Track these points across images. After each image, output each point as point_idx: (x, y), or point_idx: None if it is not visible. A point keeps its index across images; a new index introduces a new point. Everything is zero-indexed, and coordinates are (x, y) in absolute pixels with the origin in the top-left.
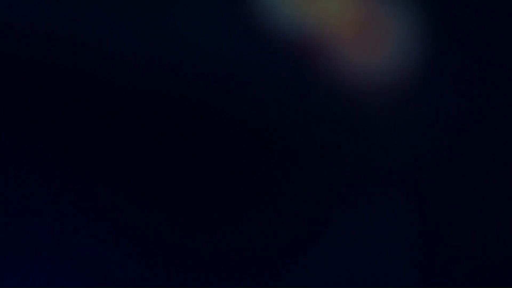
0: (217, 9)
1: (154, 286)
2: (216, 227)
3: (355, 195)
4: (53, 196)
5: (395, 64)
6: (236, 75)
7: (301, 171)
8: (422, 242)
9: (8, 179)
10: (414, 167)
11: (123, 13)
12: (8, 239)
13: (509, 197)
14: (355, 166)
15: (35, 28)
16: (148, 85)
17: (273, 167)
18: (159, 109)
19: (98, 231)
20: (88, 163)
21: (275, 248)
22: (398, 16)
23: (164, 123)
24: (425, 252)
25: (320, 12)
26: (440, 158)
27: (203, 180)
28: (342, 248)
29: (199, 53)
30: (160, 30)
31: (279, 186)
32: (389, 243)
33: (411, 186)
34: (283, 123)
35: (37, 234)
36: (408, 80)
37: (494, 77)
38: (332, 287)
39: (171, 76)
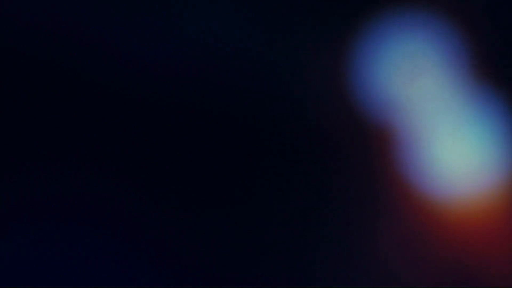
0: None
1: (152, 285)
2: (215, 226)
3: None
4: (50, 195)
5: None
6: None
7: (303, 172)
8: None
9: (7, 179)
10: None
11: (125, 12)
12: (9, 239)
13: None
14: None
15: (35, 28)
16: (158, 85)
17: (279, 168)
18: (166, 109)
19: (97, 231)
20: (92, 160)
21: (273, 246)
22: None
23: (166, 123)
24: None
25: None
26: None
27: (204, 179)
28: (340, 246)
29: (207, 51)
30: (165, 29)
31: (278, 185)
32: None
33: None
34: (292, 124)
35: (37, 234)
36: None
37: None
38: (331, 287)
39: (175, 76)
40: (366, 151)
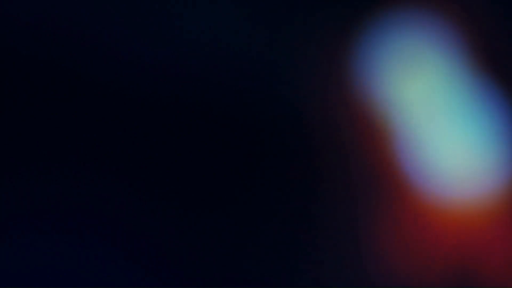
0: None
1: (152, 285)
2: (215, 225)
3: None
4: (50, 196)
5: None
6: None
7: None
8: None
9: (8, 179)
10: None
11: (125, 12)
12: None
13: None
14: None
15: (35, 28)
16: (155, 84)
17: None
18: (164, 108)
19: (97, 230)
20: (92, 160)
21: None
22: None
23: (165, 123)
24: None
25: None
26: None
27: (203, 179)
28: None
29: (205, 50)
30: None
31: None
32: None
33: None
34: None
35: (36, 235)
36: None
37: None
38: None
39: (174, 75)
40: (367, 150)
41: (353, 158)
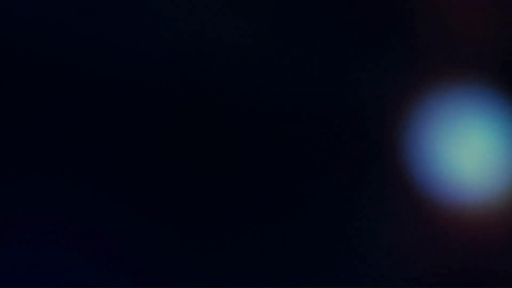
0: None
1: (152, 286)
2: (213, 225)
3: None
4: (53, 196)
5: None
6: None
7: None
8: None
9: (8, 179)
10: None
11: (121, 8)
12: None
13: None
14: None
15: (34, 25)
16: (155, 82)
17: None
18: (165, 106)
19: (98, 231)
20: (91, 161)
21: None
22: None
23: (162, 123)
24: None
25: None
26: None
27: (203, 179)
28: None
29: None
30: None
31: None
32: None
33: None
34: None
35: (35, 235)
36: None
37: None
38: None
39: (173, 73)
40: (366, 151)
41: (354, 159)
